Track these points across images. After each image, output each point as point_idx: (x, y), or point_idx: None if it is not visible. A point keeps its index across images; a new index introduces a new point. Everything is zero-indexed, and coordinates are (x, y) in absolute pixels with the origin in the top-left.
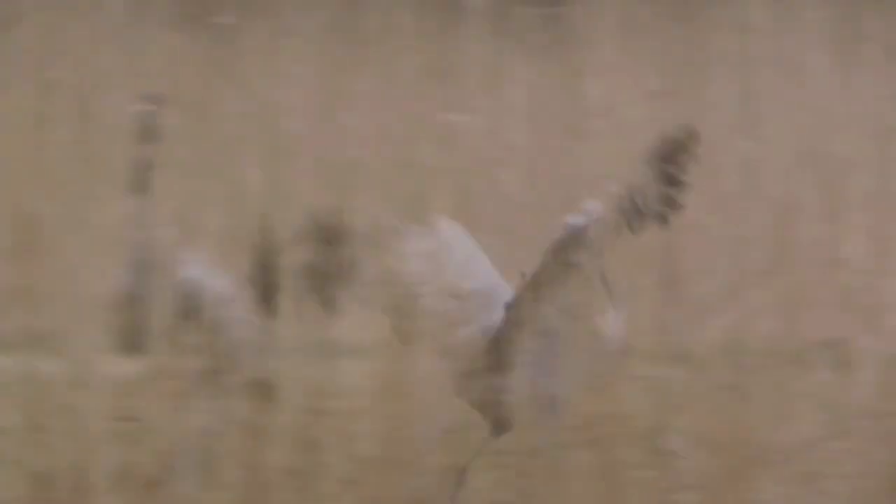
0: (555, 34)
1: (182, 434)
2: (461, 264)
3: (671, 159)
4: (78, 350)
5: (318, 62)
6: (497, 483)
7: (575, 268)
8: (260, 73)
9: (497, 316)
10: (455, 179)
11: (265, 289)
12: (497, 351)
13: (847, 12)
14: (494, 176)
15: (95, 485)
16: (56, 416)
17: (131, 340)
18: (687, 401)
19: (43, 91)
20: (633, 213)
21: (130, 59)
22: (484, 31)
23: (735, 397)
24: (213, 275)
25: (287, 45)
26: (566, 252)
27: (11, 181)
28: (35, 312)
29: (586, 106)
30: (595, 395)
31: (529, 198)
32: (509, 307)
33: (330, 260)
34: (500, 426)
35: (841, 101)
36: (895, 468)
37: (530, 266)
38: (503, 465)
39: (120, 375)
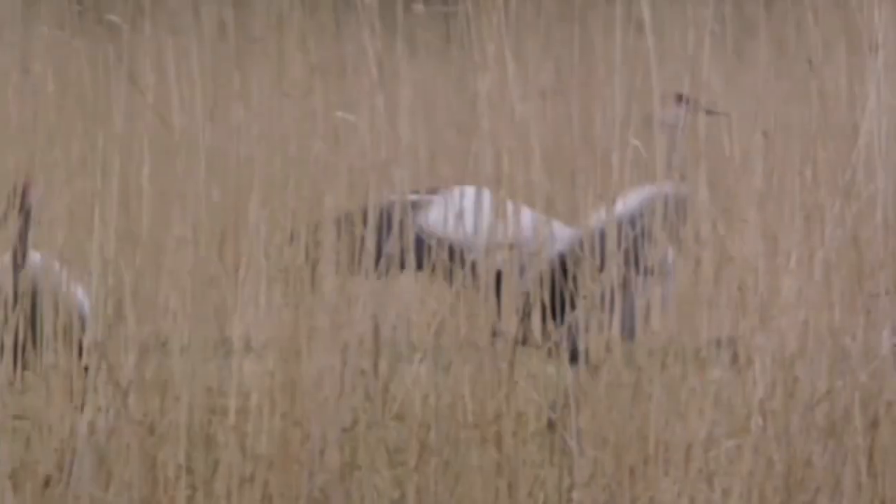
0: (445, 32)
1: (77, 432)
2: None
3: None
4: None
5: (209, 60)
6: (394, 481)
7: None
8: (150, 71)
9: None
10: (348, 178)
11: None
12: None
13: (737, 9)
14: (388, 174)
15: None
16: None
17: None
18: (583, 399)
19: None
20: None
21: (20, 56)
22: (375, 28)
23: (631, 395)
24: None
25: (177, 43)
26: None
27: None
28: None
29: (478, 103)
30: (491, 393)
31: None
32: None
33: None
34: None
35: (731, 98)
36: (789, 466)
37: None
38: (401, 462)
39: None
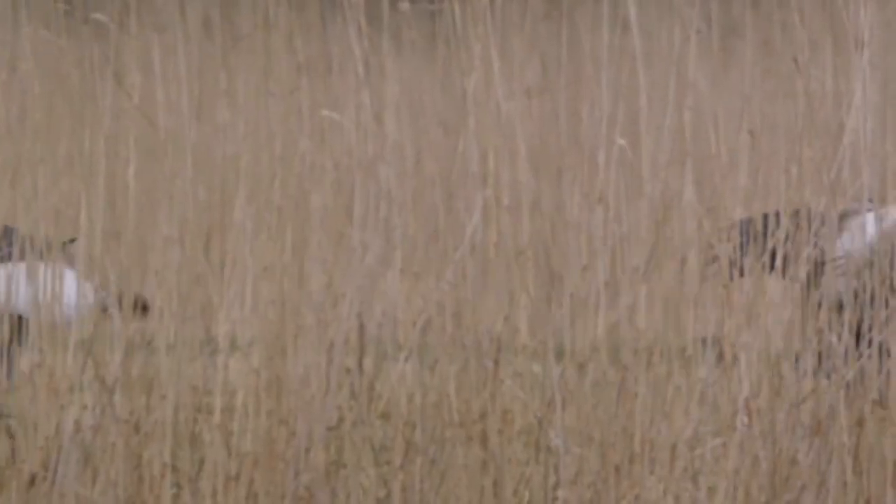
0: (431, 30)
1: (63, 430)
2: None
3: None
4: None
5: (195, 58)
6: (380, 479)
7: None
8: (137, 70)
9: None
10: (335, 175)
11: None
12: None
13: (723, 8)
14: (374, 172)
15: None
16: None
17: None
18: (568, 397)
19: None
20: None
21: (6, 55)
22: (361, 27)
23: (617, 394)
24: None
25: (163, 41)
26: None
27: None
28: None
29: (464, 102)
30: (477, 391)
31: (409, 194)
32: None
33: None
34: None
35: (717, 97)
36: (775, 464)
37: None
38: (386, 461)
39: None
